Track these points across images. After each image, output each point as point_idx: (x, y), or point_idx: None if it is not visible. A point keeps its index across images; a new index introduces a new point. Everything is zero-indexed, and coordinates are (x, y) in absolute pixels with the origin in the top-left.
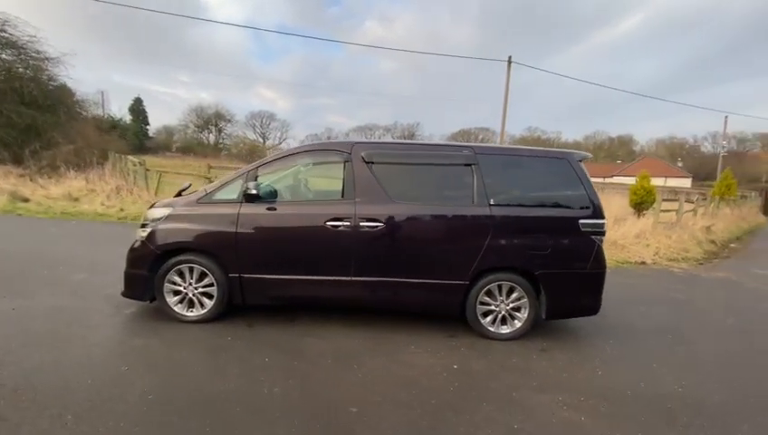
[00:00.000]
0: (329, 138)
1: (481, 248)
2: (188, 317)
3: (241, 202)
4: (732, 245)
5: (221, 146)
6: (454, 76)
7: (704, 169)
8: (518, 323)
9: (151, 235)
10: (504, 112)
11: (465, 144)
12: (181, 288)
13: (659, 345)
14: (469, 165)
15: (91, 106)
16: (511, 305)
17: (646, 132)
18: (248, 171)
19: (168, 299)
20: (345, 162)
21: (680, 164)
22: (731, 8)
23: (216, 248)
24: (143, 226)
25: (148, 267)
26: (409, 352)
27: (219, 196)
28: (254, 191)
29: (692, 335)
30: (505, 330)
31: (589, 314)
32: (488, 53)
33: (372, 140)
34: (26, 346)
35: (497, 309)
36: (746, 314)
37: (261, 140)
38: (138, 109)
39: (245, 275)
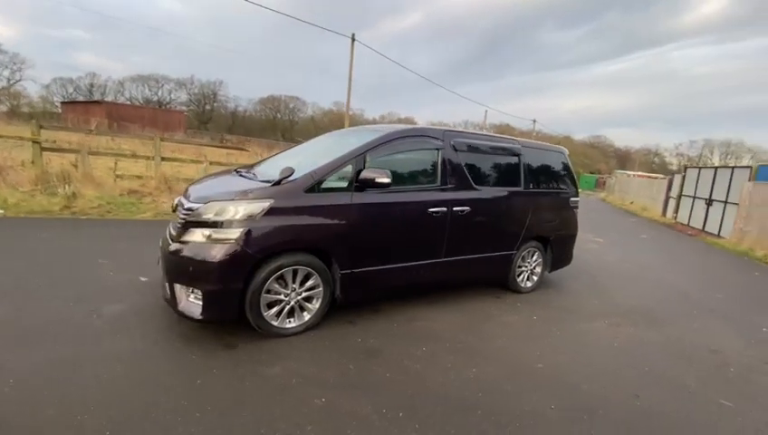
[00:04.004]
0: (91, 85)
1: (525, 223)
2: (289, 329)
3: (353, 191)
4: None
5: None
6: (263, 36)
7: None
8: (535, 278)
9: (250, 235)
10: (348, 89)
11: (513, 138)
12: (281, 296)
13: (593, 281)
14: (517, 155)
15: None
16: (534, 265)
17: (424, 116)
18: (356, 156)
19: (264, 313)
20: (438, 149)
21: None
22: (477, 24)
23: (330, 244)
24: (216, 225)
25: (243, 278)
26: (495, 314)
27: (328, 184)
28: (387, 180)
29: (596, 273)
30: (529, 284)
31: (568, 264)
32: (288, 22)
33: (455, 129)
34: (155, 422)
35: (526, 270)
36: (612, 260)
37: None
38: None
39: (357, 271)
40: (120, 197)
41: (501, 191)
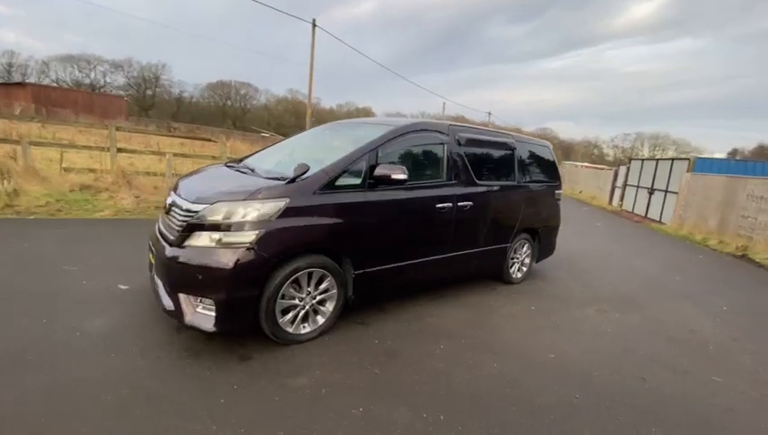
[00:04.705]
0: (10, 65)
1: (519, 216)
2: (305, 335)
3: (366, 188)
4: None
5: None
6: (210, 17)
7: None
8: (525, 269)
9: (265, 238)
10: (310, 78)
11: (508, 132)
12: (295, 301)
13: (571, 269)
14: (512, 149)
15: None
16: (523, 257)
17: (380, 106)
18: (368, 152)
19: (279, 320)
20: (444, 144)
21: None
22: (431, 16)
23: (344, 244)
24: (226, 228)
25: (259, 284)
26: (495, 306)
27: (342, 181)
28: (403, 176)
29: (572, 260)
30: (519, 275)
31: (551, 254)
32: (236, 2)
33: (459, 123)
34: None
35: (518, 261)
36: (581, 248)
37: None
38: None
39: (369, 270)
40: (70, 193)
41: (498, 185)
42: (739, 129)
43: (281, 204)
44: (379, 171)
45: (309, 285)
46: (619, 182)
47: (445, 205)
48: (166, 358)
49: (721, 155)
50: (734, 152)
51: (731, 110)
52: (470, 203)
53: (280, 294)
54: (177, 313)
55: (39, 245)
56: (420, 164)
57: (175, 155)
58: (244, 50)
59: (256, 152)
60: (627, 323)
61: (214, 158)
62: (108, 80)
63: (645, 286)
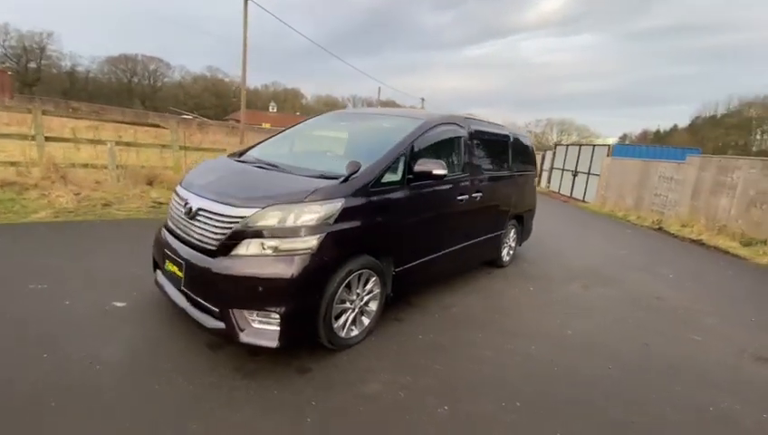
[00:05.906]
0: None
1: (512, 203)
2: (354, 338)
3: (405, 184)
4: None
5: None
6: None
7: None
8: (511, 253)
9: (326, 242)
10: (243, 60)
11: (503, 125)
12: (347, 305)
13: (542, 250)
14: (506, 141)
15: None
16: (511, 241)
17: (311, 89)
18: (406, 146)
19: (334, 325)
20: (461, 137)
21: None
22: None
23: (387, 242)
24: (281, 233)
25: (322, 291)
26: (500, 290)
27: (385, 179)
28: (443, 171)
29: (537, 242)
30: (508, 259)
31: (529, 237)
32: None
33: (472, 117)
34: None
35: (507, 245)
36: (538, 229)
37: None
38: None
39: (406, 266)
40: None
41: (499, 175)
42: (627, 116)
43: (338, 205)
44: (419, 167)
45: (358, 287)
46: (546, 166)
47: (463, 196)
48: (220, 382)
49: (613, 139)
50: (623, 137)
51: (621, 99)
52: (480, 193)
53: (335, 299)
54: (229, 331)
55: None
56: (444, 157)
57: (118, 144)
58: (152, 19)
59: (258, 144)
60: (608, 296)
61: (163, 146)
62: None
63: (604, 261)
